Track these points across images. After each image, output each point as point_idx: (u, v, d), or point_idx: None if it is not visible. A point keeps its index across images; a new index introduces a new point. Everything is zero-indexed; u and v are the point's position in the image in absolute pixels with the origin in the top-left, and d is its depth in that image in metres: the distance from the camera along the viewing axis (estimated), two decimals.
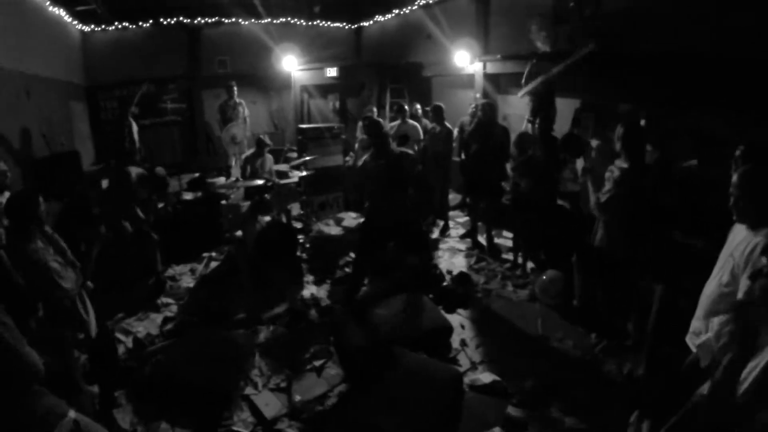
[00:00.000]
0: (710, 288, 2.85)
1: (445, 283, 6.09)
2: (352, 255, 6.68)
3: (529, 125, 7.04)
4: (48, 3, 8.34)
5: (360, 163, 5.60)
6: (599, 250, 4.61)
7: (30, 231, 3.74)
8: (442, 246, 7.52)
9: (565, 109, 7.32)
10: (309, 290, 6.16)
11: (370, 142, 5.53)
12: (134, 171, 6.16)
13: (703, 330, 2.85)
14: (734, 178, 2.72)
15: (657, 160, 4.64)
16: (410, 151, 5.87)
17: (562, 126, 7.30)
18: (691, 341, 2.95)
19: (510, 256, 6.85)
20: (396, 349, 4.15)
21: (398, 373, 3.87)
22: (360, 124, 9.37)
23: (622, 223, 4.37)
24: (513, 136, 6.77)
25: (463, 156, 7.45)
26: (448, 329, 4.97)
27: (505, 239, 7.47)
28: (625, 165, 4.26)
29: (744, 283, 2.52)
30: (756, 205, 2.63)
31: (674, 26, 5.71)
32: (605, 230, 4.53)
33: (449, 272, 6.44)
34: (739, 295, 2.56)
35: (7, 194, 4.30)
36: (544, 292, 5.71)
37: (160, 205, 7.45)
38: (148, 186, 6.48)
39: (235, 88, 10.64)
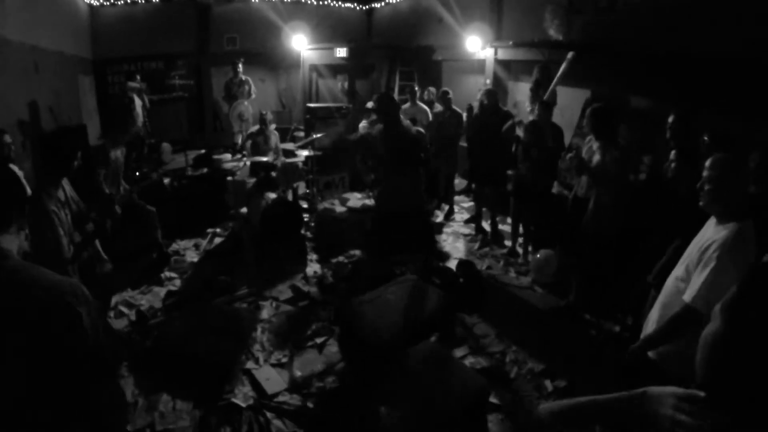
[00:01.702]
0: (669, 280, 2.84)
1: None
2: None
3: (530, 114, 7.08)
4: None
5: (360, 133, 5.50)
6: (589, 227, 4.74)
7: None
8: (446, 230, 7.51)
9: (575, 100, 7.29)
10: (312, 268, 6.16)
11: (381, 119, 5.44)
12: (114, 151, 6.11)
13: (655, 320, 2.85)
14: (707, 163, 2.63)
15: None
16: (423, 131, 5.86)
17: (573, 116, 7.29)
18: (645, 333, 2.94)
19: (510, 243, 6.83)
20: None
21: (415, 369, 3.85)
22: (369, 104, 9.33)
23: (612, 198, 4.57)
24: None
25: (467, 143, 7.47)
26: (452, 309, 5.01)
27: (509, 225, 7.45)
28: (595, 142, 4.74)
29: (694, 285, 2.49)
30: (724, 195, 2.55)
31: (687, 23, 5.67)
32: (595, 205, 4.71)
33: (447, 257, 6.49)
34: (685, 295, 2.53)
35: (12, 167, 4.26)
36: (539, 271, 5.74)
37: (166, 181, 7.47)
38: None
39: (241, 66, 10.63)
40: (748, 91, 5.02)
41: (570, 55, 6.96)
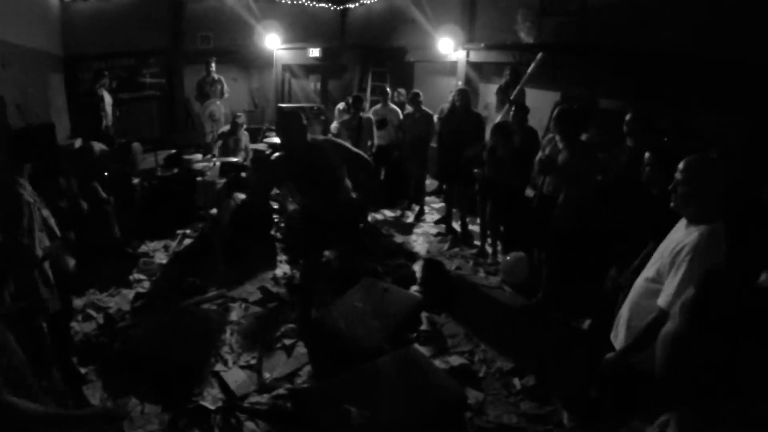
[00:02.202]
0: (638, 281, 2.88)
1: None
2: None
3: (498, 114, 7.18)
4: None
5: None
6: (558, 224, 4.86)
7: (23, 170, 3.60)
8: (416, 231, 7.57)
9: (545, 101, 7.38)
10: (282, 269, 6.17)
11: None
12: (97, 146, 6.05)
13: (624, 323, 2.91)
14: (680, 165, 2.62)
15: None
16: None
17: (543, 118, 7.38)
18: (615, 337, 2.99)
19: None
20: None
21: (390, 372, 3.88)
22: (339, 106, 9.36)
23: (580, 195, 4.73)
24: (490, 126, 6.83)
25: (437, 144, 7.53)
26: (421, 306, 5.12)
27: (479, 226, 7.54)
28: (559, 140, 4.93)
29: (668, 289, 2.51)
30: (696, 197, 2.55)
31: (659, 23, 5.79)
32: (564, 202, 4.84)
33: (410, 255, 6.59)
34: (660, 300, 2.55)
35: None
36: (509, 273, 5.82)
37: (135, 181, 7.41)
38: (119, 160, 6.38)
39: (213, 65, 10.56)
40: (714, 88, 5.20)
41: (539, 55, 7.06)
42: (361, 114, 7.97)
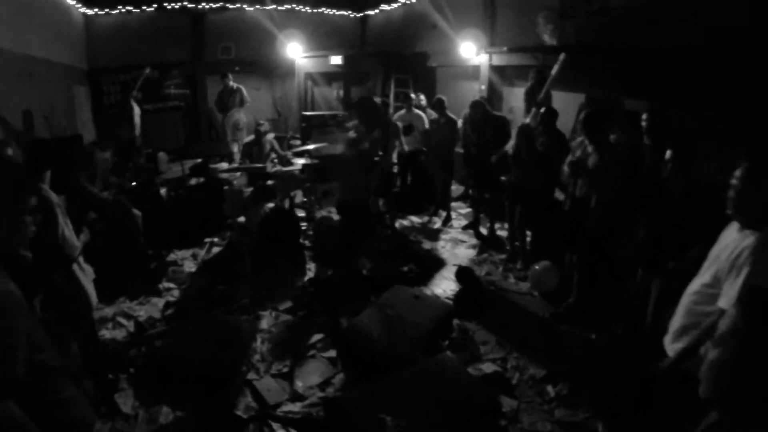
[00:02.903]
0: (693, 287, 2.80)
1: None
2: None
3: (526, 117, 7.12)
4: None
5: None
6: (591, 227, 4.82)
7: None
8: (444, 237, 7.51)
9: (570, 103, 7.30)
10: (311, 276, 6.15)
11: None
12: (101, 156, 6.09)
13: (679, 328, 2.83)
14: (738, 171, 2.59)
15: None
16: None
17: (568, 121, 7.30)
18: (670, 343, 2.91)
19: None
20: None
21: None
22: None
23: (612, 198, 4.66)
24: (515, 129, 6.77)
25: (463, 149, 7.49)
26: (453, 313, 5.07)
27: (507, 231, 7.46)
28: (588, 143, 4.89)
29: (730, 292, 2.46)
30: (750, 203, 2.52)
31: (681, 22, 5.69)
32: (597, 205, 4.80)
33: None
34: (720, 302, 2.50)
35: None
36: (538, 283, 5.73)
37: (162, 191, 7.46)
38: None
39: (230, 75, 10.62)
40: (738, 89, 5.07)
41: (562, 56, 6.99)
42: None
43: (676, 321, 2.86)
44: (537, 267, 5.75)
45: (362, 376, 4.19)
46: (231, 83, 10.72)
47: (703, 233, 3.01)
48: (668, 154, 4.30)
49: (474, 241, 7.30)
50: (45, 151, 3.79)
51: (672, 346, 2.84)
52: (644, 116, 4.57)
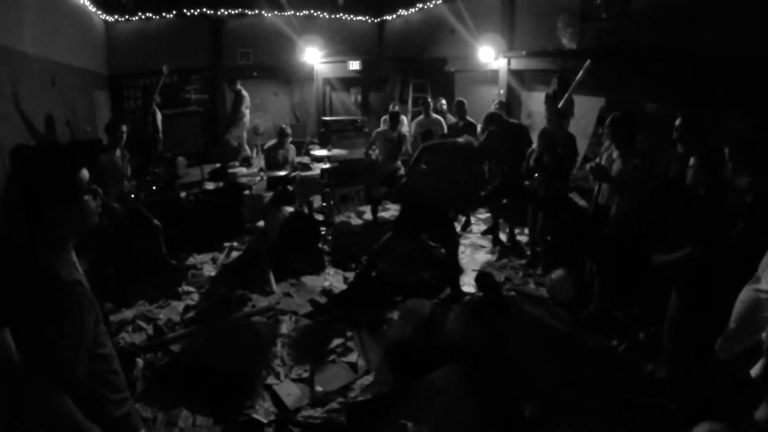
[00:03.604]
0: (747, 293, 2.75)
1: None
2: None
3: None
4: None
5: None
6: (611, 234, 4.74)
7: None
8: (463, 242, 7.44)
9: (590, 107, 7.25)
10: (330, 282, 6.12)
11: None
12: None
13: (735, 335, 2.77)
14: None
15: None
16: None
17: (588, 125, 7.25)
18: (722, 347, 2.86)
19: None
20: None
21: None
22: (383, 118, 9.33)
23: (634, 205, 4.58)
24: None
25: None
26: None
27: (527, 236, 7.39)
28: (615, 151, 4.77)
29: None
30: None
31: (703, 24, 5.62)
32: (617, 212, 4.72)
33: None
34: None
35: None
36: (553, 292, 5.67)
37: (182, 194, 7.49)
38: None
39: (238, 81, 10.72)
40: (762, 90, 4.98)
41: (587, 63, 6.93)
42: (400, 128, 7.95)
43: (731, 327, 2.80)
44: (553, 277, 5.69)
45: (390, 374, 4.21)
46: (237, 86, 10.75)
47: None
48: (692, 160, 4.23)
49: (493, 246, 7.23)
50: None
51: (727, 353, 2.79)
52: (677, 122, 4.43)
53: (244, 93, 10.81)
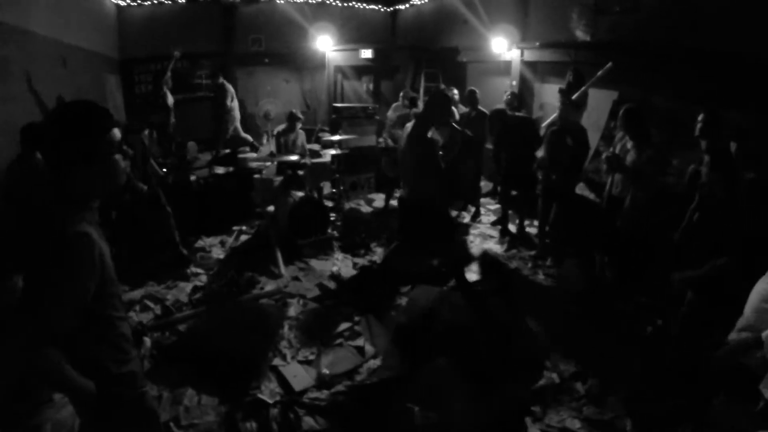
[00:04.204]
0: (762, 285, 2.72)
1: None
2: None
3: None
4: None
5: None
6: (625, 226, 4.75)
7: None
8: (473, 232, 7.43)
9: (603, 100, 7.19)
10: (338, 267, 6.12)
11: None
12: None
13: (745, 325, 2.73)
14: None
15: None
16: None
17: (600, 118, 7.19)
18: (735, 339, 2.82)
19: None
20: None
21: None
22: (393, 104, 9.29)
23: (648, 197, 4.62)
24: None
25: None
26: None
27: (536, 228, 7.36)
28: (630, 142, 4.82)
29: None
30: None
31: (717, 20, 5.55)
32: (632, 204, 4.73)
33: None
34: None
35: None
36: (563, 282, 5.65)
37: (192, 178, 7.50)
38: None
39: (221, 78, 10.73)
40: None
41: (609, 65, 6.87)
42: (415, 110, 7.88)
43: (743, 318, 2.77)
44: (564, 267, 5.68)
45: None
46: (220, 80, 10.73)
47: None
48: (705, 158, 4.19)
49: (502, 237, 7.20)
50: None
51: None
52: (700, 117, 4.36)
53: (228, 86, 10.74)
